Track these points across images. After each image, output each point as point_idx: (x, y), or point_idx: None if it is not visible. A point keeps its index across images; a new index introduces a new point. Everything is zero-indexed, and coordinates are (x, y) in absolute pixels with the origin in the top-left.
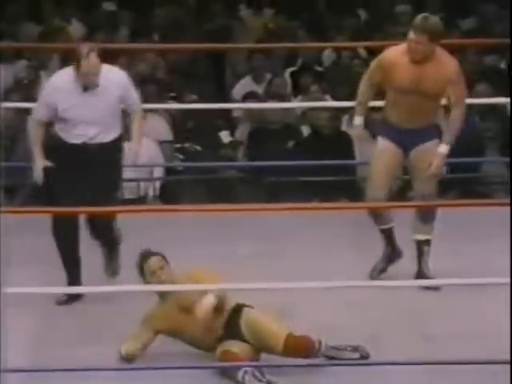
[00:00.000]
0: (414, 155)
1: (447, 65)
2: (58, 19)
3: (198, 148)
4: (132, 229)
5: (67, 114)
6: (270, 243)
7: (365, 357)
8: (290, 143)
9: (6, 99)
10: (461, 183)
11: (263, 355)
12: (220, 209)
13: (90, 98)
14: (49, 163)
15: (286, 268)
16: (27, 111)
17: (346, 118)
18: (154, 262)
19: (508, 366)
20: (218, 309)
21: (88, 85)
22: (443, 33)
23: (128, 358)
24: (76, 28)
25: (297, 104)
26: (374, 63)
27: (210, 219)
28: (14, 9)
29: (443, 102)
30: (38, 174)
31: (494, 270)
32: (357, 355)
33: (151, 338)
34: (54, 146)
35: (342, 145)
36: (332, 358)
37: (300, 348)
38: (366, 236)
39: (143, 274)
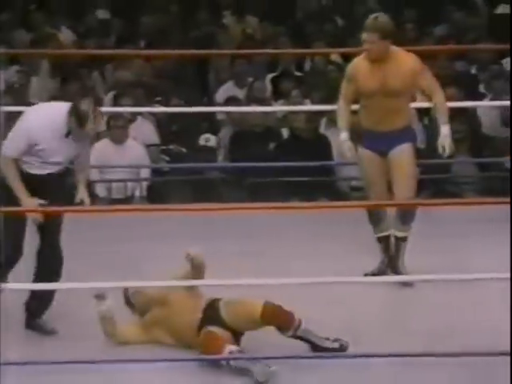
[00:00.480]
0: (390, 159)
1: (406, 59)
2: (48, 27)
3: (183, 150)
4: (119, 227)
5: (43, 152)
6: (252, 241)
7: (344, 348)
8: (271, 145)
9: None
10: (432, 183)
11: (247, 345)
12: (204, 208)
13: (70, 142)
14: (40, 201)
15: (267, 265)
16: (19, 114)
17: (323, 120)
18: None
19: (486, 359)
20: (197, 271)
21: (79, 136)
22: (393, 30)
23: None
24: (66, 35)
25: (278, 108)
26: (344, 80)
27: (196, 218)
28: (7, 17)
29: (413, 104)
30: (34, 217)
31: (469, 266)
32: (336, 345)
33: (142, 341)
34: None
35: (320, 146)
36: (312, 343)
37: (278, 315)
38: (345, 234)
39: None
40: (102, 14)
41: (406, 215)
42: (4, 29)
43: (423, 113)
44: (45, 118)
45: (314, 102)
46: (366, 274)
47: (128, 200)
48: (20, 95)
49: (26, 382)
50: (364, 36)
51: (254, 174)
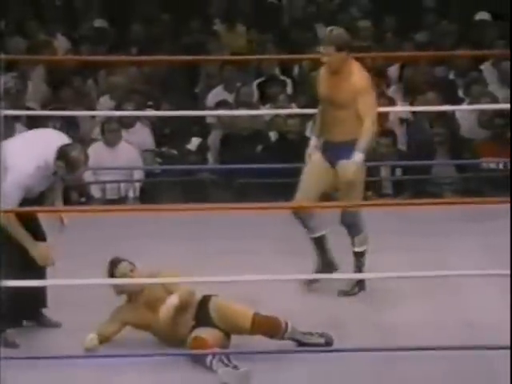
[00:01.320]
0: (338, 171)
1: (357, 77)
2: (43, 34)
3: (174, 152)
4: (111, 227)
5: (32, 190)
6: (238, 241)
7: (329, 343)
8: (259, 147)
9: None
10: (413, 184)
11: (233, 341)
12: (194, 208)
13: (52, 176)
14: (47, 244)
15: (253, 263)
16: (15, 118)
17: (310, 124)
18: (123, 266)
19: (466, 352)
20: (184, 306)
21: (65, 176)
22: (348, 42)
23: (89, 348)
24: (61, 42)
25: (266, 111)
26: None
27: (186, 218)
28: (3, 25)
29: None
30: (48, 261)
31: (448, 262)
32: (322, 340)
33: (117, 329)
34: None
35: (306, 149)
36: (298, 341)
37: (267, 325)
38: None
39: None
40: (98, 22)
41: (349, 227)
42: (0, 36)
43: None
44: (34, 162)
45: (300, 106)
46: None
47: (122, 200)
48: (16, 100)
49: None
50: (321, 49)
51: (242, 175)
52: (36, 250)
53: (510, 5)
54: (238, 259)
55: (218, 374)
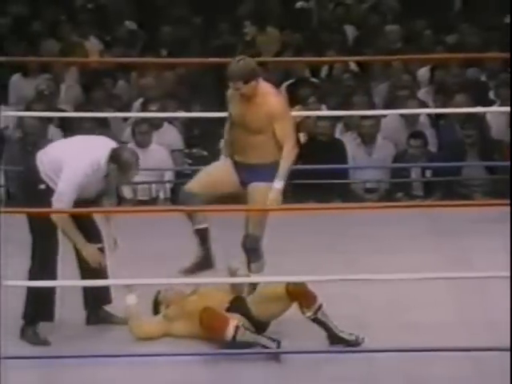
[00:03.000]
0: (248, 193)
1: (270, 102)
2: (75, 36)
3: (205, 153)
4: (145, 226)
5: (85, 192)
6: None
7: (359, 342)
8: None
9: (28, 109)
10: (444, 186)
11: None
12: (224, 209)
13: (103, 180)
14: (98, 245)
15: (284, 263)
16: (48, 120)
17: (339, 125)
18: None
19: (491, 353)
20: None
21: (116, 180)
22: (254, 72)
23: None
24: (93, 44)
25: (298, 113)
26: None
27: (216, 218)
28: (37, 27)
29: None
30: (98, 262)
31: (474, 264)
32: (353, 337)
33: (157, 333)
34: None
35: (335, 150)
36: (328, 329)
37: (302, 291)
38: (359, 234)
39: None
40: (129, 24)
41: (248, 252)
42: (34, 39)
43: (436, 117)
44: (88, 163)
45: (329, 108)
46: (180, 271)
47: (152, 201)
48: (50, 102)
49: (47, 376)
50: (230, 83)
51: None
52: (86, 250)
53: (510, 5)
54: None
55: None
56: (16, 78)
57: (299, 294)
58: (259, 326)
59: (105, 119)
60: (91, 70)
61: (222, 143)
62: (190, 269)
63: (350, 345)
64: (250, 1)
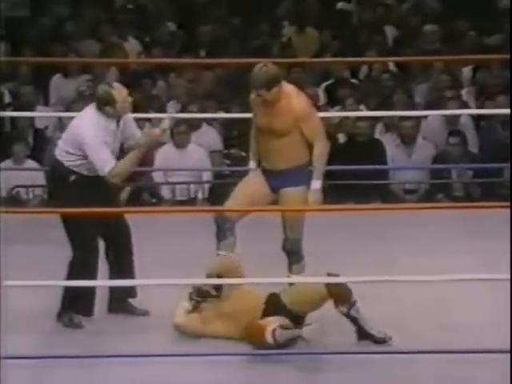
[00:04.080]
0: (280, 199)
1: (294, 104)
2: (115, 37)
3: (243, 154)
4: (182, 226)
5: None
6: (304, 242)
7: (388, 340)
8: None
9: (69, 110)
10: (485, 187)
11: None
12: (261, 209)
13: (114, 134)
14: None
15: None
16: None
17: (379, 126)
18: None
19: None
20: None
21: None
22: (276, 78)
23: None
24: (132, 45)
25: (336, 114)
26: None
27: (253, 219)
28: (77, 28)
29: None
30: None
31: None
32: (382, 335)
33: (197, 331)
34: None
35: (375, 151)
36: (359, 325)
37: (342, 291)
38: (397, 235)
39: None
40: (169, 25)
41: (290, 254)
42: (74, 39)
43: (478, 118)
44: (91, 123)
45: (369, 109)
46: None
47: (191, 201)
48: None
49: (81, 375)
50: (253, 92)
51: None
52: (142, 140)
53: (510, 5)
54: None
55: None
56: (56, 79)
57: (337, 290)
58: (296, 320)
59: (144, 120)
60: (130, 71)
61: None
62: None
63: (378, 342)
64: (288, 1)
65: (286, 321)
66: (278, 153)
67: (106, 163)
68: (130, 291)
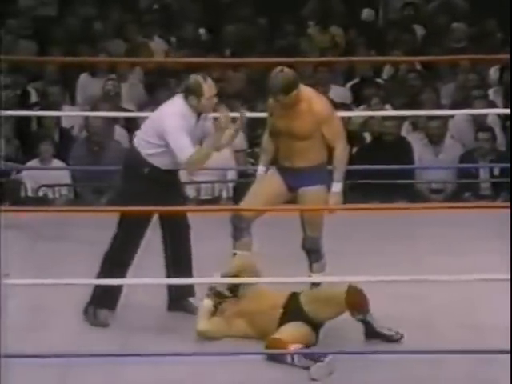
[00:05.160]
0: (299, 197)
1: (314, 107)
2: (141, 36)
3: None
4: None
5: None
6: (329, 241)
7: (398, 338)
8: (354, 149)
9: (94, 109)
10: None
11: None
12: (284, 209)
13: (196, 129)
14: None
15: (344, 263)
16: (114, 120)
17: (405, 124)
18: None
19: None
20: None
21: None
22: (293, 83)
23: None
24: (158, 44)
25: (363, 113)
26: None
27: (276, 218)
28: (104, 28)
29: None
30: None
31: None
32: (392, 333)
33: (220, 332)
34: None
35: (401, 150)
36: (369, 326)
37: (360, 298)
38: (421, 234)
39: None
40: (194, 25)
41: (310, 253)
42: (101, 39)
43: (505, 117)
44: (175, 113)
45: (395, 108)
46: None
47: (215, 200)
48: (115, 102)
49: (109, 373)
50: (270, 99)
51: None
52: (217, 135)
53: (509, 6)
54: (330, 260)
55: (310, 372)
56: (84, 78)
57: (357, 301)
58: (314, 326)
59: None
60: (156, 70)
61: (261, 154)
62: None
63: (389, 340)
64: (314, 1)
65: (304, 327)
66: (298, 153)
67: (185, 149)
68: (190, 290)
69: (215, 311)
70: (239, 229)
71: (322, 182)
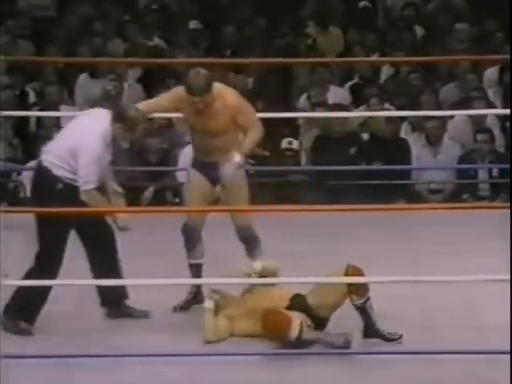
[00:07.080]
0: (224, 185)
1: (226, 99)
2: (140, 37)
3: (266, 153)
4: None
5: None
6: (328, 241)
7: (396, 338)
8: (352, 149)
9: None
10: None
11: None
12: (287, 210)
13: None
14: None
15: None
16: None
17: (404, 125)
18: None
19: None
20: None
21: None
22: (212, 80)
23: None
24: (157, 44)
25: (363, 113)
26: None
27: (276, 219)
28: (103, 28)
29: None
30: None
31: None
32: (390, 333)
33: (223, 330)
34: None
35: (399, 150)
36: (368, 321)
37: (360, 274)
38: (423, 235)
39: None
40: (194, 24)
41: (246, 240)
42: (100, 39)
43: (503, 118)
44: (99, 134)
45: (395, 108)
46: (174, 308)
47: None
48: (116, 102)
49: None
50: (193, 99)
51: (335, 176)
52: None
53: (509, 6)
54: (327, 260)
55: (321, 338)
56: (83, 79)
57: (359, 289)
58: (320, 323)
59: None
60: (154, 70)
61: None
62: (182, 305)
63: (387, 340)
64: (313, 1)
65: (309, 321)
66: (218, 149)
67: (88, 179)
68: (124, 293)
69: (217, 311)
70: (192, 240)
71: (241, 172)
